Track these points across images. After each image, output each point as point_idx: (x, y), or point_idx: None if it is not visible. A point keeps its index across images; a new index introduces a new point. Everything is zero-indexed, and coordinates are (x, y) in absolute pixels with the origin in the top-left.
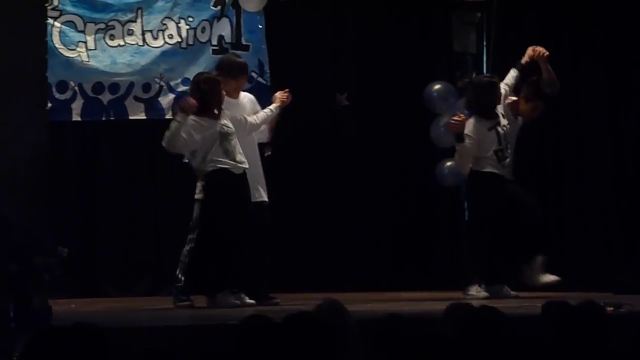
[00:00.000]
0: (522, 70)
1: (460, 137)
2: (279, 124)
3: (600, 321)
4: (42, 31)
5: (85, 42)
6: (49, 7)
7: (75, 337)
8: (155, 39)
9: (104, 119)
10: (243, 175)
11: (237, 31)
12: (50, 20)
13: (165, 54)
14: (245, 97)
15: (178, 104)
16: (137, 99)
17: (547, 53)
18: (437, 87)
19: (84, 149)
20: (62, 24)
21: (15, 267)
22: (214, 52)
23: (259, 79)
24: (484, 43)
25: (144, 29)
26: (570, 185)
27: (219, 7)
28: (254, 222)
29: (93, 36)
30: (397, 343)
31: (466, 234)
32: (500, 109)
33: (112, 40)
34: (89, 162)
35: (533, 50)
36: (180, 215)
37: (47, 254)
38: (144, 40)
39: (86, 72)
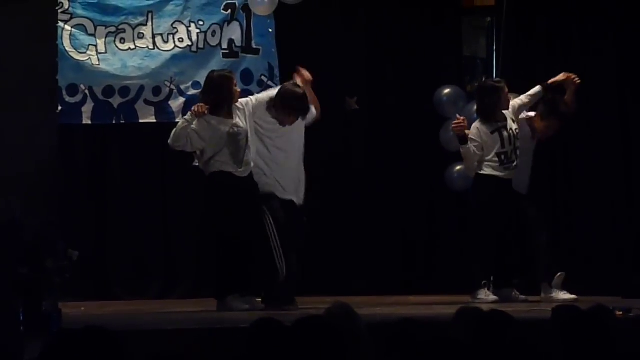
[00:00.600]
0: (548, 89)
1: (463, 139)
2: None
3: (609, 325)
4: (53, 34)
5: (95, 46)
6: (60, 11)
7: (86, 340)
8: (166, 42)
9: (114, 122)
10: (248, 178)
11: (247, 35)
12: (60, 24)
13: (175, 58)
14: None
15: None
16: (147, 102)
17: (579, 82)
18: (446, 91)
19: (95, 152)
20: (72, 27)
21: (26, 270)
22: (224, 55)
23: (269, 82)
24: (494, 47)
25: (155, 33)
26: (580, 189)
27: (229, 11)
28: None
29: (103, 39)
30: (409, 347)
31: (469, 237)
32: (509, 114)
33: (123, 43)
34: (99, 165)
35: (566, 75)
36: (190, 218)
37: (58, 257)
38: (154, 43)
39: (96, 75)
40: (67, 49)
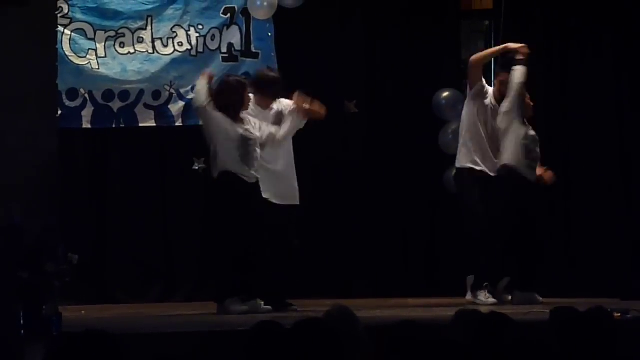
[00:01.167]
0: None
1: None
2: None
3: (608, 327)
4: (53, 39)
5: (95, 50)
6: (60, 15)
7: (87, 344)
8: (165, 46)
9: (114, 126)
10: (255, 185)
11: (246, 39)
12: (60, 28)
13: (175, 62)
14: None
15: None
16: (147, 106)
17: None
18: (445, 94)
19: (94, 156)
20: (72, 31)
21: (26, 274)
22: (224, 59)
23: None
24: None
25: (154, 37)
26: (578, 190)
27: (228, 15)
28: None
29: (103, 44)
30: (408, 349)
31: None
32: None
33: (122, 47)
34: (99, 169)
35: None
36: (190, 221)
37: (58, 261)
38: (154, 48)
39: (96, 79)
40: (66, 53)
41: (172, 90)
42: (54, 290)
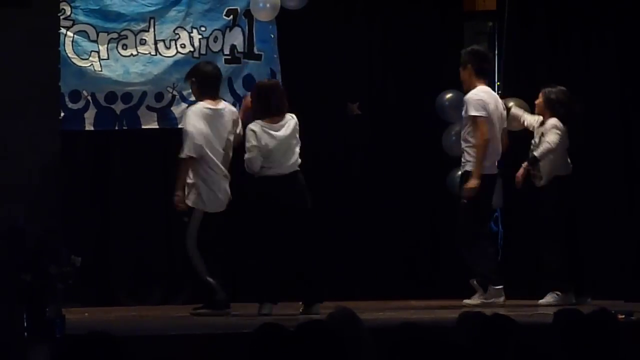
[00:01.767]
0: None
1: None
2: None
3: (612, 329)
4: (55, 41)
5: (97, 52)
6: (62, 17)
7: (90, 346)
8: (168, 48)
9: (116, 128)
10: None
11: (249, 40)
12: (63, 30)
13: (177, 64)
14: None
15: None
16: (149, 108)
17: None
18: (448, 96)
19: (97, 158)
20: (74, 33)
21: (29, 277)
22: (227, 61)
23: None
24: (496, 52)
25: (157, 39)
26: (581, 193)
27: (231, 17)
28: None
29: (106, 46)
30: (411, 352)
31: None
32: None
33: (125, 49)
34: (102, 171)
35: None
36: None
37: (61, 263)
38: (156, 49)
39: (99, 81)
40: (69, 55)
41: (175, 92)
42: (56, 292)
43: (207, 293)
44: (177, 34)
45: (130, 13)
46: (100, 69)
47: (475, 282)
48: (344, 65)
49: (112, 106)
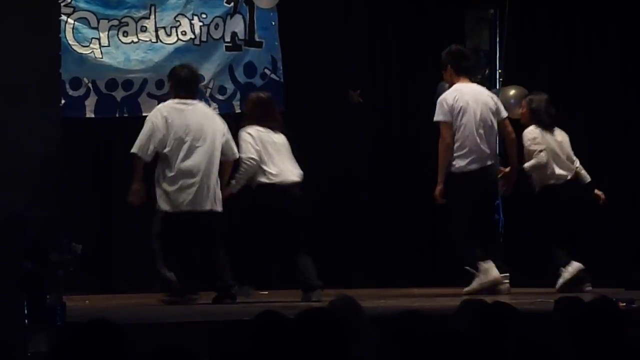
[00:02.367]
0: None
1: None
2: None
3: (613, 317)
4: (56, 28)
5: (98, 39)
6: (63, 4)
7: (90, 333)
8: (169, 35)
9: (117, 115)
10: None
11: (250, 28)
12: (63, 17)
13: (178, 51)
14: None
15: None
16: (150, 95)
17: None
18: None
19: (98, 145)
20: (75, 20)
21: (30, 264)
22: (227, 48)
23: (272, 75)
24: (497, 39)
25: (157, 26)
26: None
27: (232, 4)
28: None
29: (106, 33)
30: (412, 339)
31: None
32: None
33: (126, 37)
34: (102, 158)
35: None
36: None
37: (62, 250)
38: (157, 37)
39: (99, 68)
40: (70, 42)
41: None
42: (57, 280)
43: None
44: (178, 21)
45: (131, 0)
46: (101, 56)
47: (469, 267)
48: (345, 53)
49: (113, 93)
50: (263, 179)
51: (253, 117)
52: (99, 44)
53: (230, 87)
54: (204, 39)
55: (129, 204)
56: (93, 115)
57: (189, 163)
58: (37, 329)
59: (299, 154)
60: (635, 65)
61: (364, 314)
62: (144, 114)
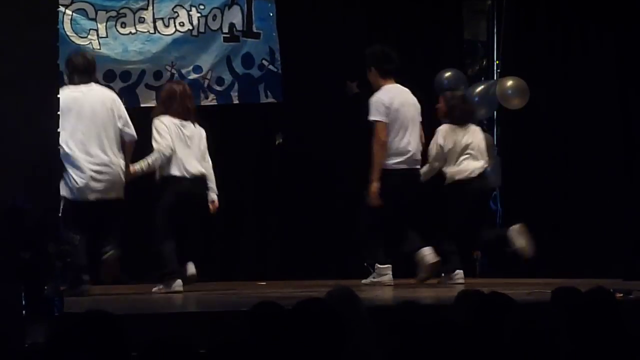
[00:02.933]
0: None
1: None
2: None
3: (610, 307)
4: (54, 19)
5: (96, 30)
6: None
7: (88, 324)
8: (167, 26)
9: None
10: None
11: (248, 19)
12: (61, 8)
13: (176, 42)
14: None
15: None
16: (148, 86)
17: None
18: (447, 74)
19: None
20: (73, 11)
21: (28, 255)
22: (225, 39)
23: (270, 66)
24: (495, 30)
25: (155, 17)
26: (580, 172)
27: None
28: None
29: (104, 24)
30: (410, 330)
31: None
32: None
33: (124, 28)
34: None
35: None
36: None
37: (60, 241)
38: (155, 28)
39: (97, 60)
40: (67, 33)
41: (174, 71)
42: (55, 270)
43: None
44: (176, 12)
45: None
46: (99, 47)
47: (366, 264)
48: (343, 43)
49: (111, 84)
50: (170, 172)
51: (165, 108)
52: (97, 35)
53: (228, 78)
54: (201, 30)
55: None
56: None
57: (91, 150)
58: (34, 320)
59: (297, 145)
60: (633, 56)
61: (361, 304)
62: (142, 105)
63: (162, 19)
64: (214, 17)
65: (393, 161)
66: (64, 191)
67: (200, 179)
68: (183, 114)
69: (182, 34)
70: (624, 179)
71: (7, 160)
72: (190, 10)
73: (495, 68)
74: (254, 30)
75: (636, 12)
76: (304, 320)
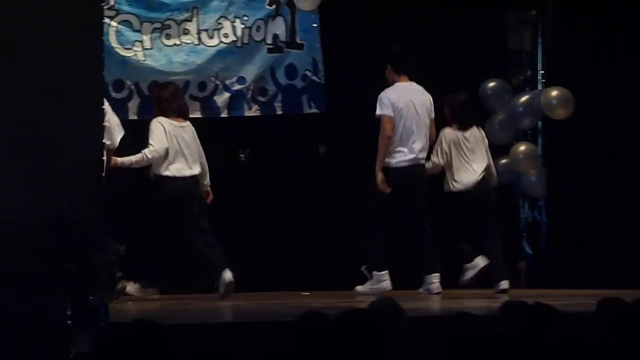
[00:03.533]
0: None
1: None
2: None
3: None
4: (99, 31)
5: (141, 42)
6: (106, 7)
7: (135, 333)
8: (211, 38)
9: None
10: None
11: (291, 30)
12: (106, 20)
13: (220, 53)
14: None
15: None
16: (193, 97)
17: None
18: (492, 84)
19: (140, 147)
20: (118, 23)
21: (73, 265)
22: (269, 50)
23: (314, 77)
24: (539, 40)
25: (200, 28)
26: (626, 182)
27: (273, 6)
28: None
29: (149, 35)
30: (456, 340)
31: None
32: None
33: (168, 39)
34: None
35: None
36: (234, 211)
37: (105, 252)
38: (199, 39)
39: (142, 71)
40: (113, 45)
41: (218, 82)
42: (101, 281)
43: None
44: (220, 23)
45: (174, 3)
46: (143, 59)
47: (363, 268)
48: (386, 55)
49: None
50: (163, 172)
51: (162, 110)
52: (142, 46)
53: (271, 89)
54: (245, 41)
55: None
56: (136, 117)
57: None
58: (80, 330)
59: (339, 156)
60: None
61: (404, 316)
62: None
63: (206, 30)
64: (258, 29)
65: (396, 160)
66: None
67: (195, 179)
68: (180, 114)
69: (226, 45)
70: None
71: (53, 170)
72: (234, 22)
73: (539, 78)
74: (298, 41)
75: None
76: (346, 331)
